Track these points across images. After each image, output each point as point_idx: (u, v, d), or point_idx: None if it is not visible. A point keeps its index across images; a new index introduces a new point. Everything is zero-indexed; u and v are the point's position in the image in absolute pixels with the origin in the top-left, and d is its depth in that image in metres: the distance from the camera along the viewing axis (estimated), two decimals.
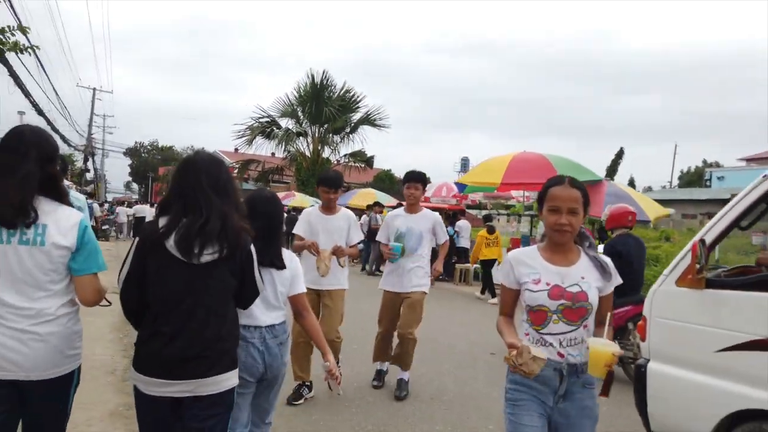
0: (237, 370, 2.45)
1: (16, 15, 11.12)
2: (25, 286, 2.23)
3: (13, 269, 2.20)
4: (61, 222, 2.28)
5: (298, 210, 22.23)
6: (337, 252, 4.86)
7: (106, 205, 31.81)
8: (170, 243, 2.26)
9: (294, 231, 5.05)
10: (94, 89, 39.45)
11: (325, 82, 28.37)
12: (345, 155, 30.06)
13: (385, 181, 37.30)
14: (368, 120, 29.03)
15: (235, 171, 39.07)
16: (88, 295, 2.38)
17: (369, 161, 29.91)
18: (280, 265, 2.95)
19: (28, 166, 2.22)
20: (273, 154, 32.52)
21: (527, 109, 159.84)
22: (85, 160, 37.80)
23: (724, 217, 3.36)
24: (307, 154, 29.09)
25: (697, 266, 3.24)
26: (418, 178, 5.39)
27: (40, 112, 16.26)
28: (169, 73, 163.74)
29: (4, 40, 10.18)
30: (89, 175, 44.06)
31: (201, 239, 2.26)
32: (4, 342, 2.19)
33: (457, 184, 14.03)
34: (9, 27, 10.33)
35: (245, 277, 2.45)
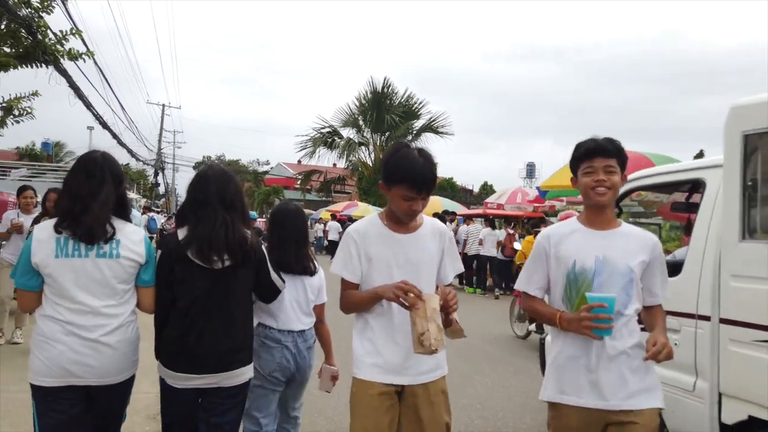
0: (252, 363, 2.68)
1: (71, 18, 10.70)
2: (102, 295, 2.39)
3: (93, 279, 2.37)
4: (131, 237, 2.47)
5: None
6: (448, 302, 2.29)
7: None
8: (191, 252, 2.45)
9: (334, 269, 2.48)
10: (163, 105, 40.22)
11: (386, 89, 27.58)
12: None
13: (446, 190, 36.06)
14: (431, 127, 28.00)
15: (298, 182, 38.88)
16: (151, 304, 2.55)
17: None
18: (312, 271, 3.11)
19: (106, 189, 2.41)
20: (334, 164, 32.08)
21: (593, 113, 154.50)
22: (155, 175, 38.43)
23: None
24: (369, 163, 28.33)
25: None
26: (614, 152, 2.30)
27: (105, 126, 16.00)
28: (235, 87, 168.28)
29: (60, 49, 9.72)
30: (160, 189, 44.93)
31: (215, 248, 2.45)
32: (81, 350, 2.33)
33: (537, 189, 12.72)
34: (62, 32, 9.89)
35: (261, 278, 2.67)
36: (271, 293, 2.78)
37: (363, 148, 28.51)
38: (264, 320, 3.00)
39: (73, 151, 36.16)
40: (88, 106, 13.42)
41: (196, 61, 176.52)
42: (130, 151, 24.03)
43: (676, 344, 3.18)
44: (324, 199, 34.96)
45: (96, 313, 2.36)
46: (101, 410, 2.50)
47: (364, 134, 28.40)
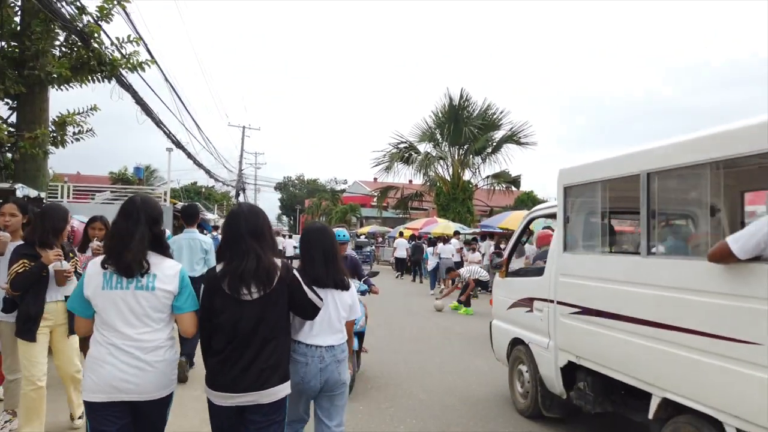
0: (288, 382, 2.84)
1: (133, 26, 9.89)
2: (140, 323, 2.67)
3: (132, 309, 2.66)
4: (166, 272, 2.73)
5: (445, 239, 19.94)
6: None
7: None
8: (225, 285, 2.70)
9: None
10: (243, 127, 40.37)
11: (463, 101, 25.95)
12: (487, 177, 27.35)
13: (527, 204, 33.81)
14: (512, 138, 26.03)
15: (374, 200, 37.86)
16: (188, 328, 2.80)
17: (515, 181, 26.65)
18: (344, 286, 3.26)
19: (141, 229, 2.69)
20: (410, 181, 30.73)
21: (686, 119, 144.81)
22: (237, 195, 38.52)
23: (513, 240, 6.53)
24: (447, 178, 26.73)
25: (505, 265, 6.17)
26: None
27: (178, 144, 15.33)
28: (312, 107, 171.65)
29: (116, 57, 8.86)
30: None
31: (245, 281, 2.69)
32: (126, 370, 2.62)
33: None
34: (119, 39, 9.04)
35: (296, 297, 2.86)
36: (311, 311, 2.97)
37: (441, 162, 26.88)
38: (294, 335, 3.09)
39: (162, 176, 37.13)
40: (158, 123, 12.67)
41: (274, 82, 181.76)
42: (207, 172, 23.65)
43: (541, 320, 5.13)
44: (401, 216, 33.59)
45: (135, 339, 2.65)
46: (144, 425, 2.78)
47: (442, 148, 26.80)
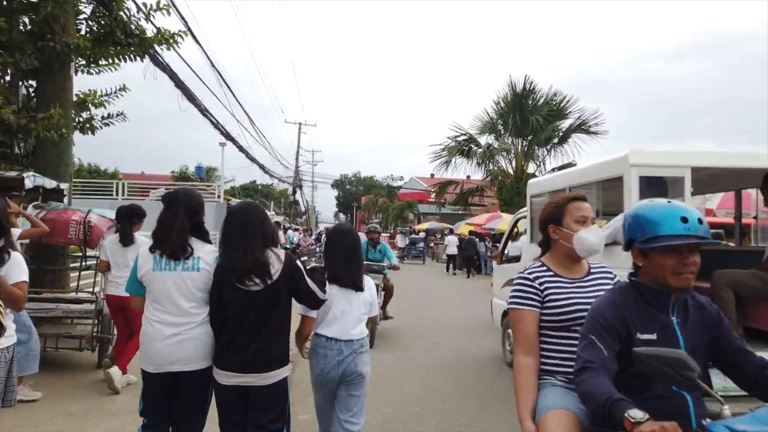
0: (288, 366, 3.02)
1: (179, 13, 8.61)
2: (186, 301, 2.96)
3: (179, 288, 2.95)
4: (208, 255, 3.02)
5: (518, 237, 17.95)
6: None
7: (314, 235, 30.76)
8: (231, 277, 2.87)
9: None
10: (300, 124, 39.52)
11: (528, 89, 23.82)
12: (553, 169, 25.13)
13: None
14: (581, 127, 23.70)
15: (432, 195, 36.23)
16: None
17: None
18: (360, 287, 3.32)
19: (180, 218, 3.00)
20: (468, 177, 28.82)
21: (760, 111, 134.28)
22: (294, 192, 37.65)
23: (505, 236, 8.56)
24: (510, 170, 24.70)
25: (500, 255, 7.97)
26: None
27: (228, 136, 14.14)
28: (368, 104, 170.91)
29: (142, 27, 7.57)
30: (300, 207, 44.44)
31: (242, 272, 2.85)
32: (172, 343, 2.91)
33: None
34: (145, 5, 7.75)
35: (300, 289, 2.99)
36: (313, 302, 3.09)
37: (503, 154, 24.83)
38: (316, 329, 3.24)
39: (223, 175, 36.79)
40: (204, 111, 11.44)
41: (330, 79, 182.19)
42: (261, 167, 22.62)
43: None
44: (460, 212, 31.70)
45: (181, 314, 2.95)
46: (188, 394, 3.02)
47: (505, 140, 24.73)
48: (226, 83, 13.87)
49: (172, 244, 2.94)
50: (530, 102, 23.77)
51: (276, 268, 2.90)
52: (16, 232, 4.79)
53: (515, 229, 8.51)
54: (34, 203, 6.28)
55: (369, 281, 3.42)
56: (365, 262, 4.99)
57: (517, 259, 7.40)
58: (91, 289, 6.85)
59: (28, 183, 6.08)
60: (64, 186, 6.95)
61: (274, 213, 24.83)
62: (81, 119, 7.73)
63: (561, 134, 24.03)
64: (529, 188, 6.90)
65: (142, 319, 3.01)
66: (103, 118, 7.77)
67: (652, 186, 4.82)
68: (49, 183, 6.52)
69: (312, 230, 38.80)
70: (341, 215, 74.76)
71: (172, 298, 2.93)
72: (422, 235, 31.26)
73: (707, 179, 5.62)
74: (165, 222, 3.01)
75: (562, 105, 23.76)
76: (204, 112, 11.36)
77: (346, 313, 3.25)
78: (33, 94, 7.45)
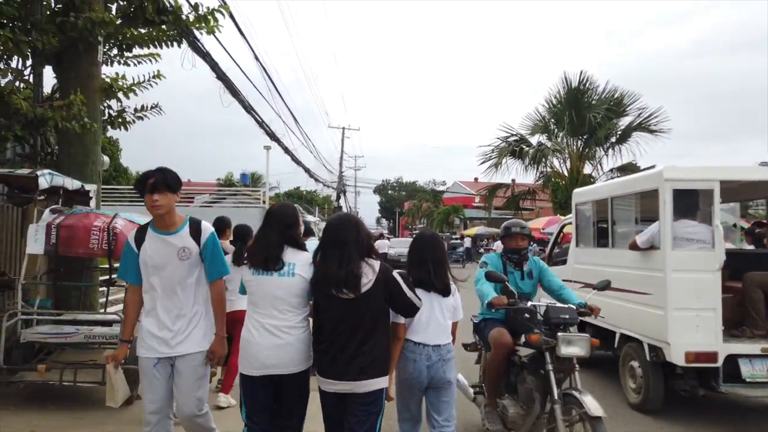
0: (386, 376, 3.01)
1: None
2: (283, 305, 3.02)
3: (275, 294, 3.01)
4: (303, 263, 3.08)
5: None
6: None
7: None
8: (325, 287, 2.94)
9: None
10: (343, 128, 38.48)
11: (583, 85, 22.06)
12: (611, 170, 23.21)
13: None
14: (642, 125, 21.77)
15: (476, 199, 34.66)
16: None
17: None
18: (447, 292, 3.35)
19: (273, 234, 3.10)
20: (513, 180, 27.08)
21: None
22: (338, 198, 36.61)
23: (551, 241, 9.61)
24: (563, 172, 22.93)
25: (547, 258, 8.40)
26: None
27: (273, 137, 13.05)
28: (410, 108, 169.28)
29: (177, 3, 6.44)
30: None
31: (339, 284, 2.89)
32: (270, 347, 2.96)
33: None
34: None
35: (394, 297, 3.02)
36: (409, 310, 3.11)
37: (557, 155, 23.06)
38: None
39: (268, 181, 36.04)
40: (249, 108, 10.32)
41: (373, 82, 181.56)
42: (307, 171, 21.56)
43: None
44: (509, 216, 29.93)
45: (279, 319, 3.00)
46: (290, 397, 3.07)
47: (559, 139, 22.97)
48: (270, 78, 12.75)
49: (261, 255, 3.05)
50: (586, 99, 22.01)
51: (370, 278, 2.93)
52: None
53: (561, 235, 9.24)
54: (51, 207, 5.18)
55: (453, 286, 3.42)
56: None
57: (563, 262, 7.87)
58: (120, 308, 5.72)
59: (43, 182, 4.97)
60: (90, 187, 5.85)
61: (319, 219, 23.77)
62: (111, 112, 6.65)
63: (620, 133, 22.18)
64: (575, 197, 7.59)
65: (245, 323, 3.11)
66: (135, 110, 6.67)
67: (684, 197, 5.31)
68: (71, 183, 5.42)
69: None
70: (383, 221, 73.49)
71: (269, 302, 3.01)
72: (466, 240, 29.65)
73: (736, 189, 6.21)
74: (259, 236, 3.19)
75: (621, 102, 21.89)
76: (249, 109, 10.24)
77: (431, 318, 3.27)
78: (56, 86, 6.41)
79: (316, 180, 26.60)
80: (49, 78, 6.68)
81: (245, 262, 3.13)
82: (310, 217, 20.88)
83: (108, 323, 5.31)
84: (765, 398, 5.69)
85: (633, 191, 6.07)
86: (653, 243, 5.39)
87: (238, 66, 8.76)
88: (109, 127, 6.71)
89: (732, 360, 5.03)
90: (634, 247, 5.64)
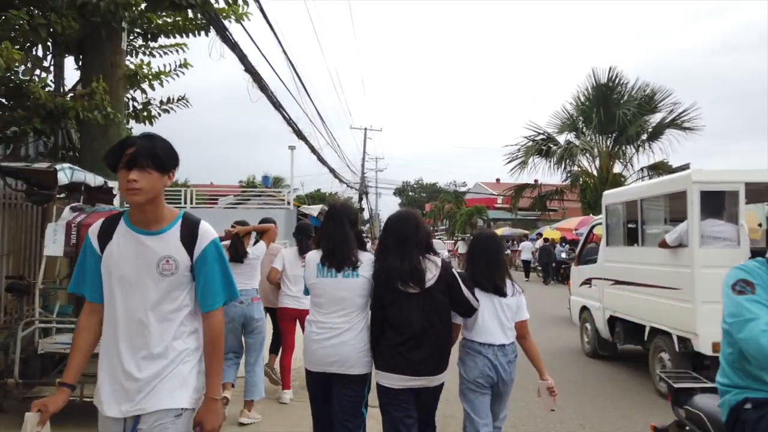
0: (445, 372, 3.00)
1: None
2: (348, 307, 2.99)
3: (339, 295, 2.98)
4: (366, 262, 3.03)
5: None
6: None
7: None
8: (389, 282, 2.94)
9: None
10: (365, 129, 37.98)
11: (613, 82, 21.23)
12: (642, 168, 22.32)
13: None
14: (675, 122, 20.86)
15: (499, 200, 33.84)
16: None
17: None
18: (501, 293, 3.25)
19: (346, 229, 3.05)
20: (536, 181, 26.31)
21: None
22: (360, 200, 36.11)
23: (582, 241, 9.64)
24: (593, 171, 22.12)
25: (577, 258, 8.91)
26: None
27: (300, 135, 12.56)
28: (430, 109, 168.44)
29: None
30: (365, 214, 42.91)
31: (404, 279, 2.91)
32: (329, 346, 2.93)
33: None
34: None
35: (454, 296, 3.02)
36: (467, 309, 3.10)
37: (586, 154, 22.24)
38: (467, 335, 3.24)
39: (290, 185, 35.70)
40: (278, 107, 9.83)
41: (393, 83, 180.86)
42: (332, 171, 21.06)
43: (596, 291, 7.86)
44: (532, 217, 29.12)
45: (341, 319, 2.96)
46: (344, 397, 2.96)
47: (587, 137, 22.16)
48: (297, 73, 12.27)
49: (341, 256, 3.00)
50: (615, 96, 21.18)
51: (433, 273, 2.96)
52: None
53: (591, 234, 9.44)
54: (72, 205, 4.70)
55: (515, 286, 3.38)
56: None
57: (593, 261, 8.11)
58: None
59: (63, 177, 4.49)
60: (114, 184, 5.37)
61: None
62: (136, 104, 6.18)
63: (651, 130, 21.31)
64: (605, 198, 7.79)
65: (306, 321, 3.13)
66: (161, 102, 6.19)
67: (711, 198, 5.55)
68: (93, 179, 4.94)
69: (377, 238, 37.22)
70: None
71: (333, 304, 2.99)
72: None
73: (762, 191, 6.35)
74: (333, 233, 3.06)
75: (652, 98, 21.01)
76: (277, 106, 9.75)
77: (494, 318, 3.24)
78: (79, 77, 5.96)
79: (341, 181, 26.09)
80: (71, 72, 6.25)
81: (324, 262, 3.03)
82: None
83: None
84: None
85: (662, 193, 6.37)
86: (682, 241, 5.70)
87: (266, 59, 8.30)
88: (133, 121, 6.24)
89: None
90: (663, 245, 5.89)
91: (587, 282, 8.15)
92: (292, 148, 17.30)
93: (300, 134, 12.12)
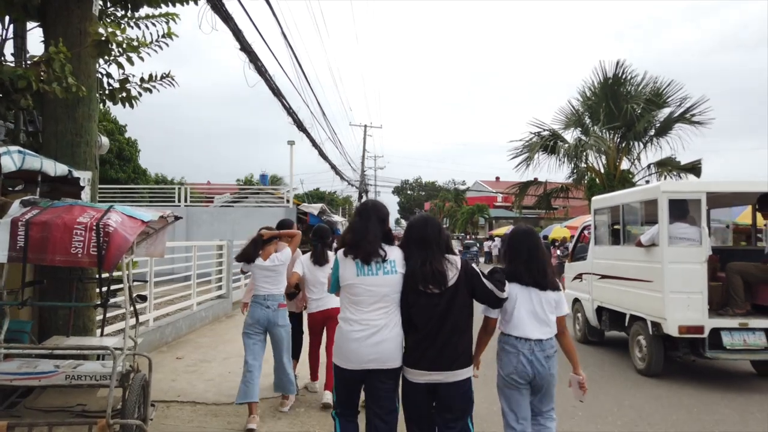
0: (472, 366, 3.09)
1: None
2: (388, 303, 3.03)
3: (383, 292, 3.02)
4: (401, 259, 3.09)
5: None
6: None
7: None
8: (416, 282, 3.00)
9: None
10: (365, 126, 37.01)
11: (621, 75, 20.28)
12: (649, 165, 21.38)
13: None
14: (684, 116, 19.92)
15: (499, 198, 32.97)
16: None
17: (695, 168, 20.28)
18: (543, 286, 3.26)
19: (373, 225, 3.10)
20: (535, 179, 25.35)
21: None
22: (360, 198, 35.08)
23: (574, 239, 10.28)
24: (598, 167, 21.17)
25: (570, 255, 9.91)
26: None
27: (301, 127, 11.56)
28: (427, 107, 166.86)
29: None
30: None
31: (425, 280, 2.99)
32: (367, 343, 2.97)
33: None
34: None
35: (476, 289, 3.08)
36: (491, 300, 3.15)
37: (592, 150, 21.26)
38: (504, 329, 3.26)
39: (288, 183, 34.61)
40: (277, 93, 8.84)
41: (390, 81, 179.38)
42: (333, 167, 20.06)
43: (586, 285, 8.80)
44: (537, 215, 28.17)
45: (379, 316, 2.99)
46: (377, 390, 3.03)
47: (596, 132, 21.19)
48: (297, 59, 11.30)
49: (365, 249, 3.02)
50: (623, 90, 20.24)
51: (453, 273, 3.02)
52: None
53: (583, 233, 9.90)
54: (23, 199, 3.71)
55: (557, 281, 3.37)
56: None
57: (584, 258, 8.87)
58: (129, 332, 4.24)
59: (9, 164, 3.49)
60: (82, 175, 4.39)
61: (344, 220, 22.31)
62: (112, 82, 5.19)
63: (659, 125, 20.38)
64: (593, 204, 8.71)
65: (339, 318, 3.13)
66: (142, 80, 5.21)
67: (678, 205, 6.56)
68: (53, 167, 3.95)
69: None
70: (403, 221, 71.69)
71: (375, 300, 3.01)
72: (497, 240, 27.97)
73: (726, 197, 7.54)
74: (358, 228, 3.11)
75: (661, 91, 20.07)
76: (276, 92, 8.76)
77: (531, 312, 3.21)
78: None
79: (342, 177, 25.08)
80: (38, 45, 5.25)
81: (347, 254, 3.08)
82: (336, 218, 19.44)
83: (99, 354, 3.82)
84: (740, 361, 6.98)
85: (639, 200, 7.33)
86: (654, 241, 6.59)
87: (263, 38, 7.30)
88: (109, 102, 5.25)
89: (716, 332, 6.31)
90: (639, 244, 6.83)
91: (579, 276, 9.05)
92: (291, 143, 16.35)
93: (300, 126, 11.13)
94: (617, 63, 20.29)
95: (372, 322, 2.97)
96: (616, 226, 7.99)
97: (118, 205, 3.83)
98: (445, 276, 2.97)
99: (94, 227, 3.41)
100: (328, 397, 5.05)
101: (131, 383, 3.56)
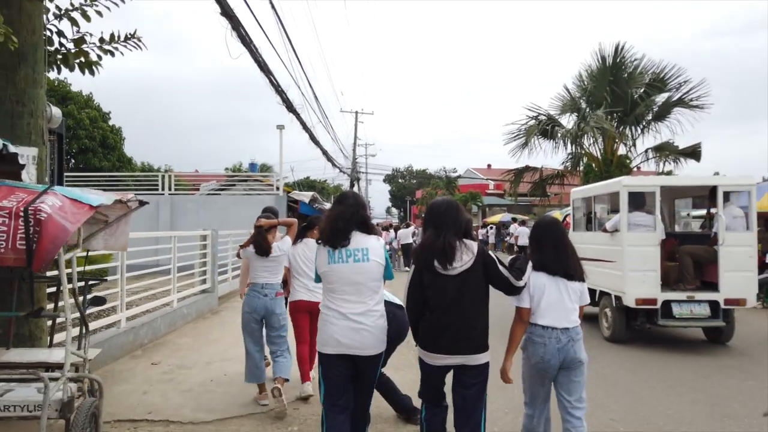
0: (488, 351, 3.09)
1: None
2: (359, 291, 3.06)
3: (352, 279, 3.05)
4: (375, 246, 3.13)
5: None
6: None
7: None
8: (426, 260, 3.03)
9: None
10: (356, 112, 36.08)
11: (620, 59, 19.55)
12: (646, 150, 20.74)
13: None
14: (683, 100, 19.25)
15: (491, 186, 32.25)
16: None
17: (695, 152, 19.64)
18: (572, 276, 3.28)
19: (346, 212, 3.14)
20: (526, 166, 24.63)
21: None
22: (351, 186, 34.22)
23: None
24: (596, 153, 20.49)
25: None
26: None
27: (291, 108, 10.69)
28: (418, 95, 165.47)
29: None
30: None
31: (437, 254, 2.99)
32: (347, 331, 3.00)
33: None
34: None
35: (491, 275, 3.09)
36: (507, 288, 3.17)
37: (591, 134, 20.54)
38: (531, 318, 3.25)
39: (282, 166, 33.67)
40: (262, 66, 7.96)
41: (384, 71, 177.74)
42: (324, 153, 19.18)
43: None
44: (530, 203, 27.50)
45: (356, 303, 3.03)
46: (362, 377, 3.14)
47: (594, 115, 20.48)
48: (289, 39, 10.39)
49: (329, 234, 3.07)
50: (622, 74, 19.54)
51: (469, 256, 3.03)
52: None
53: (566, 220, 10.79)
54: None
55: (584, 273, 3.42)
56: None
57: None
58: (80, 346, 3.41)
59: None
60: (22, 151, 3.56)
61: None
62: (65, 42, 4.32)
63: (656, 110, 19.71)
64: (572, 194, 10.02)
65: (320, 307, 3.16)
66: (102, 40, 4.34)
67: (636, 197, 7.64)
68: None
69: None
70: (394, 210, 70.81)
71: (347, 287, 3.04)
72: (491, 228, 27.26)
73: (671, 191, 8.98)
74: (328, 215, 3.19)
75: (661, 76, 19.38)
76: (262, 66, 7.89)
77: (558, 301, 3.24)
78: None
79: (334, 164, 24.16)
80: None
81: (318, 242, 3.17)
82: (328, 206, 18.67)
83: (36, 375, 2.97)
84: (694, 329, 8.24)
85: (605, 192, 8.52)
86: (616, 227, 7.72)
87: (247, 5, 6.41)
88: (64, 68, 4.39)
89: (667, 304, 7.38)
90: (604, 230, 8.02)
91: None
92: (280, 127, 15.46)
93: (290, 106, 10.26)
94: (617, 47, 19.59)
95: (348, 310, 3.03)
96: (589, 215, 9.20)
97: (61, 187, 3.00)
98: (453, 250, 2.99)
99: (21, 213, 2.58)
100: (307, 389, 4.98)
101: (76, 413, 2.75)
